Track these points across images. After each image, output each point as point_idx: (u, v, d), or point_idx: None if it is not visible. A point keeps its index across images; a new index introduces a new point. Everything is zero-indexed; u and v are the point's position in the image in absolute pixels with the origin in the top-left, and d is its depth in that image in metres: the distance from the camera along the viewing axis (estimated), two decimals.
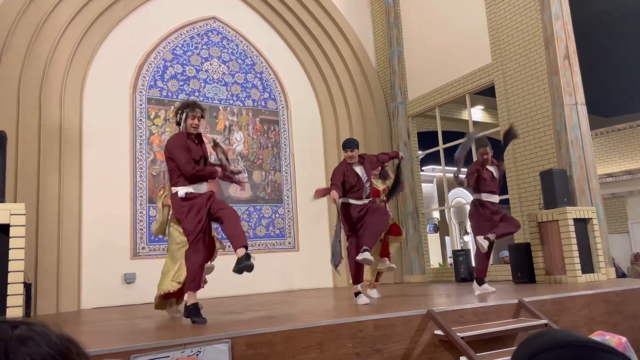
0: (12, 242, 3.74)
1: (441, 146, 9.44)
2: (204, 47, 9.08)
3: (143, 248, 7.89)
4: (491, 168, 5.86)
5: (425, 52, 9.53)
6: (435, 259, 12.52)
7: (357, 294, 5.04)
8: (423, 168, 14.00)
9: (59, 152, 7.33)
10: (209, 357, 3.07)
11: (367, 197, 5.21)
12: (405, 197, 9.44)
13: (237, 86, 9.22)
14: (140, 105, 8.30)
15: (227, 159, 4.51)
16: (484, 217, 5.65)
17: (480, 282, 5.67)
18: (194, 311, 3.99)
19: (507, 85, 7.89)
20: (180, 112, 4.17)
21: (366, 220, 5.06)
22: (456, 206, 16.01)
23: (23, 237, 3.79)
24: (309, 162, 9.52)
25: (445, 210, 10.61)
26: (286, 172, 9.36)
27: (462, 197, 16.28)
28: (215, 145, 4.57)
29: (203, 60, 9.01)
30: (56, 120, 7.40)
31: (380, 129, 10.02)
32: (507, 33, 7.93)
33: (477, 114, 11.74)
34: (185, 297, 4.10)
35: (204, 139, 4.33)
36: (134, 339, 3.42)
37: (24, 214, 3.81)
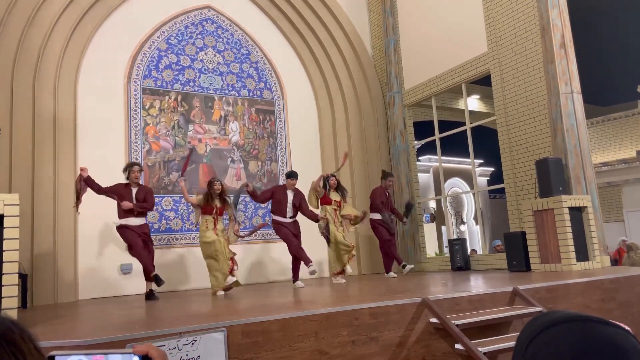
0: (7, 233, 3.72)
1: (437, 136, 9.42)
2: (199, 36, 9.02)
3: None
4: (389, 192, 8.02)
5: (421, 41, 9.49)
6: (431, 249, 12.57)
7: (294, 281, 6.84)
8: (419, 158, 13.99)
9: (53, 142, 7.29)
10: (204, 346, 3.08)
11: (291, 217, 6.86)
12: (402, 187, 9.45)
13: (232, 76, 9.18)
14: (135, 95, 8.25)
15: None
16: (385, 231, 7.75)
17: (388, 272, 7.83)
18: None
19: (503, 74, 7.87)
20: (125, 170, 6.33)
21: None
22: (452, 196, 16.05)
23: (17, 227, 3.77)
24: (305, 152, 9.50)
25: (442, 200, 10.63)
26: (282, 162, 9.34)
27: (459, 187, 16.32)
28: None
29: (198, 49, 8.95)
30: (50, 110, 7.35)
31: (377, 118, 10.00)
32: (503, 21, 7.89)
33: (473, 103, 11.73)
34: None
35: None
36: (129, 328, 3.42)
37: (18, 204, 3.79)
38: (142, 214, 6.21)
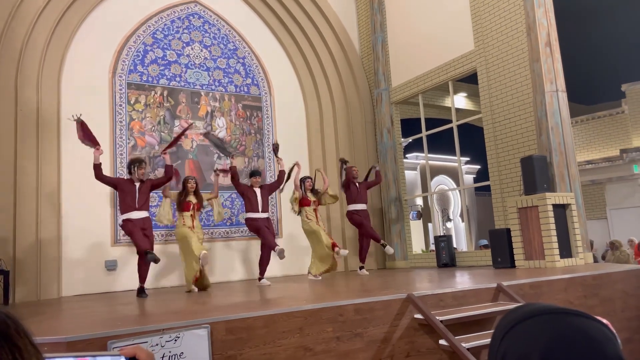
0: None
1: (424, 133, 9.45)
2: (185, 31, 8.94)
3: (124, 235, 7.78)
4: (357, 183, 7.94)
5: (408, 39, 9.50)
6: (417, 245, 12.63)
7: (260, 279, 6.95)
8: (406, 155, 14.03)
9: (36, 137, 7.18)
10: (187, 342, 3.06)
11: (263, 212, 6.98)
12: (389, 184, 9.47)
13: (219, 71, 9.11)
14: (120, 90, 8.16)
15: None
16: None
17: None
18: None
19: (490, 72, 7.92)
20: (131, 165, 6.14)
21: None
22: (439, 193, 16.13)
23: None
24: (292, 148, 9.46)
25: (428, 197, 10.68)
26: (269, 159, 9.31)
27: (445, 184, 16.41)
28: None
29: (184, 44, 8.87)
30: (33, 104, 7.24)
31: (364, 115, 10.01)
32: (490, 20, 7.93)
33: (460, 101, 11.79)
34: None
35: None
36: (112, 325, 3.39)
37: None
38: (144, 208, 6.03)
